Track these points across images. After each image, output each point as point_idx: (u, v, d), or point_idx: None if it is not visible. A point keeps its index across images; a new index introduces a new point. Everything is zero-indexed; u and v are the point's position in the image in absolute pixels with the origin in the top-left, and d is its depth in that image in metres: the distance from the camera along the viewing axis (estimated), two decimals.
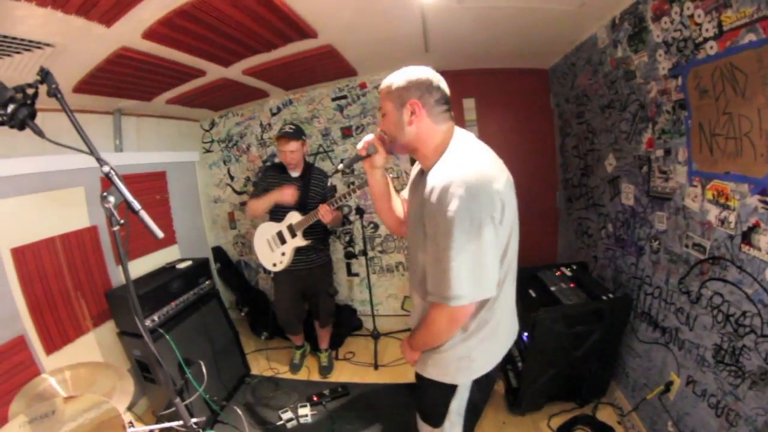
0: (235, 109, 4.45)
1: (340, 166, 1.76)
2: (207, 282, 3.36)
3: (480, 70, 3.88)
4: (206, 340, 3.16)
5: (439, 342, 1.53)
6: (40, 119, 1.43)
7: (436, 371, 1.61)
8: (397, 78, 1.48)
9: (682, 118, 2.05)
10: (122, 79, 2.73)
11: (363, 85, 4.04)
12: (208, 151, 4.68)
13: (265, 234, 3.33)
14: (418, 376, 1.74)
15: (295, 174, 3.30)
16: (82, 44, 2.07)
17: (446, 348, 1.54)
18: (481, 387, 1.67)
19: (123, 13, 1.89)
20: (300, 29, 2.50)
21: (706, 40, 1.80)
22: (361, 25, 2.62)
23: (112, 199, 1.36)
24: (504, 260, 1.43)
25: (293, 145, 3.14)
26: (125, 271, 1.39)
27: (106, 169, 1.36)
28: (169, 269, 3.24)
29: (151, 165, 3.74)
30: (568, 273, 2.98)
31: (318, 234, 3.28)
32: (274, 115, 4.36)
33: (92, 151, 1.40)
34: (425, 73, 1.47)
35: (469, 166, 1.33)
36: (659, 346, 2.35)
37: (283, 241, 3.26)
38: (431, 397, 1.71)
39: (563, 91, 3.62)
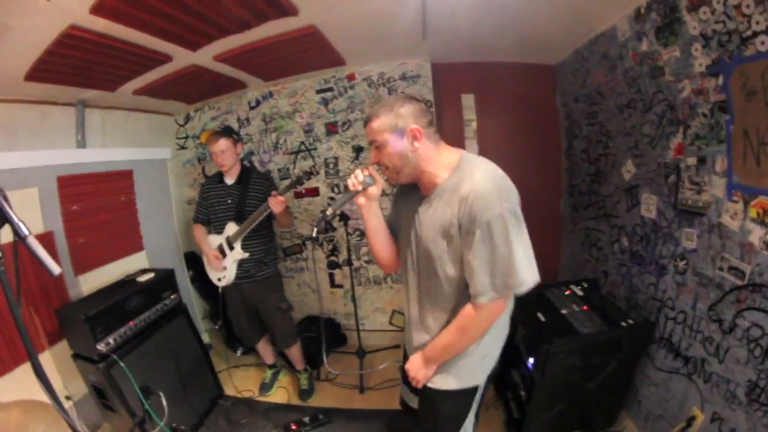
0: (212, 102, 4.09)
1: (329, 211, 1.63)
2: (172, 296, 3.05)
3: (481, 63, 3.60)
4: (172, 361, 2.86)
5: (471, 343, 1.55)
6: None
7: (461, 378, 1.64)
8: (389, 109, 1.47)
9: (722, 122, 1.80)
10: (79, 65, 2.46)
11: (351, 77, 3.71)
12: (182, 147, 4.33)
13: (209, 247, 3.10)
14: (429, 395, 1.71)
15: (230, 181, 3.03)
16: (24, 21, 1.84)
17: (470, 351, 1.58)
18: (488, 378, 1.71)
19: None
20: (278, 4, 2.18)
21: (756, 34, 1.56)
22: (350, 3, 2.31)
23: None
24: None
25: (222, 144, 2.88)
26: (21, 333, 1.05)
27: None
28: (128, 283, 2.92)
29: (117, 163, 3.41)
30: (579, 292, 2.70)
31: (259, 246, 3.03)
32: (252, 108, 4.02)
33: None
34: (413, 100, 1.51)
35: (495, 173, 1.41)
36: (680, 376, 2.13)
37: (223, 255, 3.03)
38: (452, 409, 1.71)
39: (572, 89, 3.35)
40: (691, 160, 2.01)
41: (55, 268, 1.06)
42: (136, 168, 3.58)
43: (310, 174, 2.63)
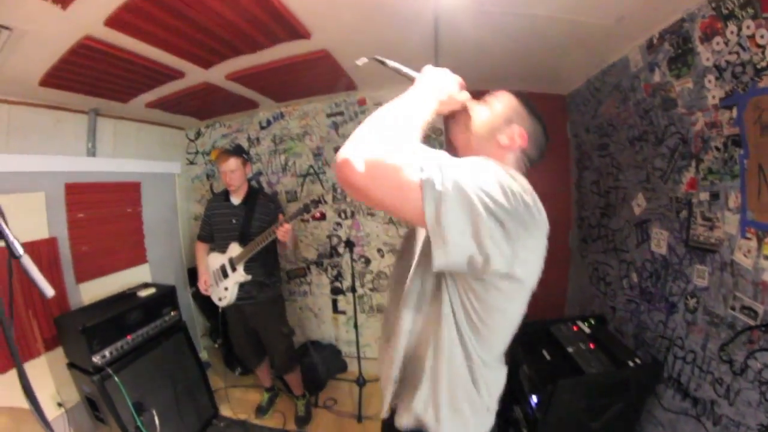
0: (223, 120, 4.13)
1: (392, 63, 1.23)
2: (172, 313, 3.02)
3: (491, 91, 3.56)
4: (168, 378, 2.82)
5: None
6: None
7: None
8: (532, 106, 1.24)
9: (736, 156, 1.76)
10: (92, 75, 2.51)
11: (362, 102, 3.71)
12: (191, 163, 4.35)
13: (211, 266, 3.07)
14: None
15: (236, 201, 2.99)
16: (41, 29, 1.90)
17: None
18: None
19: None
20: (290, 27, 2.20)
21: None
22: (362, 29, 2.31)
23: None
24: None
25: (232, 163, 2.85)
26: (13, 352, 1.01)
27: None
28: (129, 296, 2.91)
29: (125, 174, 3.45)
30: (586, 329, 2.59)
31: (261, 268, 2.96)
32: (263, 128, 4.04)
33: None
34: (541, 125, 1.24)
35: None
36: (688, 417, 2.06)
37: (225, 275, 2.99)
38: None
39: (583, 120, 3.31)
40: (704, 196, 1.97)
41: (49, 291, 1.02)
42: (145, 180, 3.60)
43: (317, 203, 2.60)
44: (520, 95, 1.25)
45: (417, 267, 1.15)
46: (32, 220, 2.69)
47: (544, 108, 3.45)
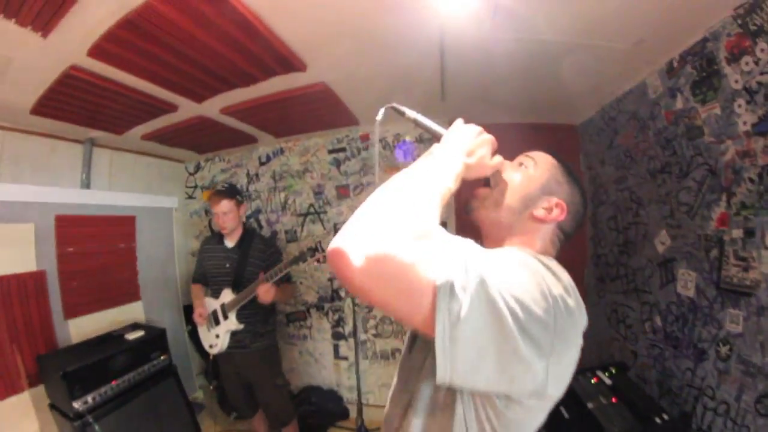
0: (223, 154, 4.06)
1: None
2: (162, 357, 2.86)
3: (499, 124, 3.44)
4: (155, 426, 2.66)
5: None
6: None
7: None
8: (570, 169, 1.07)
9: None
10: (83, 105, 2.47)
11: (365, 137, 3.61)
12: (190, 197, 4.26)
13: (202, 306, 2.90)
14: None
15: (230, 243, 2.84)
16: (25, 57, 1.88)
17: None
18: None
19: (57, 19, 1.63)
20: (284, 59, 2.11)
21: None
22: (362, 59, 2.22)
23: None
24: None
25: (225, 205, 2.70)
26: None
27: None
28: (116, 338, 2.77)
29: (120, 207, 3.36)
30: (607, 380, 2.35)
31: (255, 316, 2.78)
32: (263, 164, 3.96)
33: None
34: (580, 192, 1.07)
35: None
36: None
37: (217, 322, 2.80)
38: None
39: (598, 151, 3.17)
40: (737, 233, 1.81)
41: None
42: (140, 215, 3.52)
43: (315, 251, 2.47)
44: (557, 156, 1.08)
45: (428, 373, 0.94)
46: (20, 252, 2.62)
47: (554, 139, 3.30)
